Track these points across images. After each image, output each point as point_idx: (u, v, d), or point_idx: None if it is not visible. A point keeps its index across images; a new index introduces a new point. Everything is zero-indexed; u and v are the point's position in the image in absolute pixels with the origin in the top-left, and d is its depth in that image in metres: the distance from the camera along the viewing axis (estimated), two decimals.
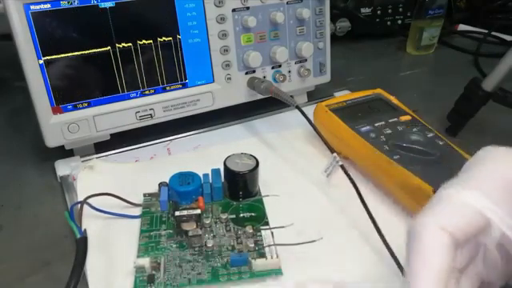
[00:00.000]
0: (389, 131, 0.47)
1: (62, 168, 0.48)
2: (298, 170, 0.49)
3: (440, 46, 0.86)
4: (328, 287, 0.34)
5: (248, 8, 0.53)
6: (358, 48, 0.87)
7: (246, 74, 0.56)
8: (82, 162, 0.49)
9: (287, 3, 0.55)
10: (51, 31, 0.44)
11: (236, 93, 0.56)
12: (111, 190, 0.41)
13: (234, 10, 0.53)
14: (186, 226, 0.38)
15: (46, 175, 0.49)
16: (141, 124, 0.51)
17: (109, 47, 0.47)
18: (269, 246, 0.37)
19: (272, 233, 0.39)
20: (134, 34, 0.48)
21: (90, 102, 0.49)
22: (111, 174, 0.47)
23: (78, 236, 0.37)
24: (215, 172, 0.43)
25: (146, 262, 0.34)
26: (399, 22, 0.89)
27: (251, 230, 0.39)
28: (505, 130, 0.56)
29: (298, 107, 0.47)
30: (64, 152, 0.50)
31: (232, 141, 0.54)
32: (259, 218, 0.41)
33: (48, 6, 0.44)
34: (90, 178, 0.47)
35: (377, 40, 0.90)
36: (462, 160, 0.44)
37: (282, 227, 0.38)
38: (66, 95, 0.47)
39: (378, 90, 0.55)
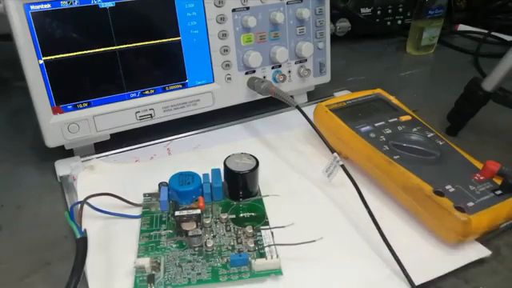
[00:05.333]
0: (389, 131, 0.47)
1: (62, 168, 0.48)
2: (297, 170, 0.49)
3: (440, 45, 0.86)
4: None
5: (248, 8, 0.53)
6: (357, 48, 0.87)
7: (246, 74, 0.56)
8: (82, 162, 0.49)
9: (287, 3, 0.55)
10: (51, 31, 0.44)
11: (236, 93, 0.56)
12: (111, 190, 0.41)
13: (234, 10, 0.53)
14: (186, 226, 0.38)
15: (46, 175, 0.49)
16: (141, 124, 0.51)
17: (109, 47, 0.47)
18: (269, 246, 0.37)
19: (272, 233, 0.39)
20: (133, 34, 0.48)
21: (90, 102, 0.49)
22: (111, 174, 0.47)
23: (78, 236, 0.37)
24: (215, 172, 0.43)
25: (146, 261, 0.34)
26: (399, 22, 0.89)
27: (251, 230, 0.38)
28: (505, 130, 0.56)
29: (298, 107, 0.47)
30: (64, 152, 0.50)
31: (232, 141, 0.54)
32: (259, 218, 0.41)
33: (48, 6, 0.44)
34: (90, 178, 0.47)
35: (377, 40, 0.90)
36: (462, 160, 0.44)
37: (282, 227, 0.38)
38: (66, 95, 0.47)
39: (378, 90, 0.55)
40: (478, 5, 0.96)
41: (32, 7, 0.43)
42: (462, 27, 0.94)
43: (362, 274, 0.36)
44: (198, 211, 0.38)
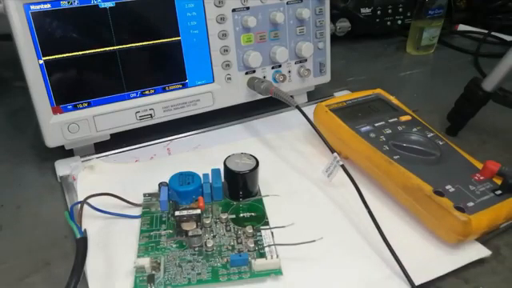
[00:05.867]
0: (389, 131, 0.47)
1: (62, 168, 0.48)
2: (298, 170, 0.49)
3: (440, 46, 0.86)
4: None
5: (248, 8, 0.53)
6: (357, 48, 0.87)
7: (246, 74, 0.56)
8: (82, 162, 0.49)
9: (287, 3, 0.55)
10: (51, 31, 0.44)
11: (236, 93, 0.56)
12: (111, 190, 0.41)
13: (234, 10, 0.53)
14: (185, 226, 0.38)
15: (46, 175, 0.49)
16: (141, 124, 0.51)
17: (109, 47, 0.47)
18: (269, 246, 0.37)
19: (272, 233, 0.39)
20: (133, 34, 0.48)
21: (90, 102, 0.49)
22: (111, 174, 0.47)
23: (78, 236, 0.37)
24: (215, 172, 0.43)
25: (146, 261, 0.34)
26: (399, 22, 0.89)
27: (251, 230, 0.38)
28: (505, 130, 0.56)
29: (298, 107, 0.47)
30: (64, 152, 0.50)
31: (232, 141, 0.54)
32: (259, 218, 0.41)
33: (48, 6, 0.44)
34: (90, 178, 0.47)
35: (377, 40, 0.90)
36: (462, 160, 0.44)
37: (282, 227, 0.38)
38: (66, 95, 0.47)
39: (378, 90, 0.55)
40: (478, 5, 0.96)
41: (32, 7, 0.43)
42: (462, 27, 0.94)
43: (362, 274, 0.36)
44: (198, 211, 0.38)
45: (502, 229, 0.39)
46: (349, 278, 0.36)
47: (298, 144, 0.53)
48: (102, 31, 0.47)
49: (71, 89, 0.47)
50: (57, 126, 0.47)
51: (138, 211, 0.42)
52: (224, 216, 0.40)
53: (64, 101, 0.47)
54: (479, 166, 0.43)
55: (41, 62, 0.45)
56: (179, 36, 0.51)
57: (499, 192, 0.40)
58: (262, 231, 0.39)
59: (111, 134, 0.51)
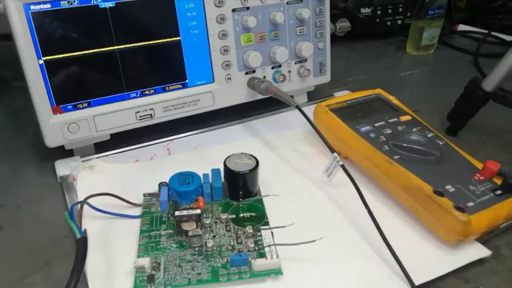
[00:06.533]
0: (389, 131, 0.47)
1: (62, 168, 0.48)
2: (298, 170, 0.49)
3: (440, 46, 0.86)
4: None
5: (248, 8, 0.53)
6: (357, 48, 0.87)
7: (246, 74, 0.56)
8: (82, 162, 0.49)
9: (287, 3, 0.55)
10: (51, 31, 0.44)
11: (236, 93, 0.56)
12: (111, 190, 0.41)
13: (234, 10, 0.53)
14: (186, 226, 0.38)
15: (46, 175, 0.49)
16: (141, 124, 0.51)
17: (109, 47, 0.47)
18: (269, 246, 0.37)
19: (272, 233, 0.39)
20: (133, 34, 0.48)
21: (90, 102, 0.49)
22: (111, 174, 0.47)
23: (78, 236, 0.37)
24: (215, 172, 0.43)
25: (146, 261, 0.34)
26: (399, 22, 0.89)
27: (251, 230, 0.38)
28: (505, 130, 0.56)
29: (298, 107, 0.47)
30: (64, 152, 0.50)
31: (232, 141, 0.54)
32: (259, 218, 0.41)
33: (48, 6, 0.44)
34: (90, 178, 0.47)
35: (377, 40, 0.90)
36: (462, 160, 0.44)
37: (282, 227, 0.38)
38: (66, 95, 0.47)
39: (378, 90, 0.55)
40: (478, 5, 0.96)
41: (32, 7, 0.43)
42: (462, 27, 0.94)
43: (361, 274, 0.36)
44: (198, 211, 0.38)
45: (502, 229, 0.39)
46: (349, 277, 0.36)
47: (298, 144, 0.53)
48: (102, 31, 0.47)
49: (71, 89, 0.47)
50: (57, 125, 0.47)
51: (138, 211, 0.42)
52: (224, 216, 0.40)
53: (64, 101, 0.47)
54: (479, 166, 0.43)
55: (41, 62, 0.45)
56: (179, 36, 0.51)
57: (499, 192, 0.40)
58: (262, 231, 0.39)
59: (111, 134, 0.51)
